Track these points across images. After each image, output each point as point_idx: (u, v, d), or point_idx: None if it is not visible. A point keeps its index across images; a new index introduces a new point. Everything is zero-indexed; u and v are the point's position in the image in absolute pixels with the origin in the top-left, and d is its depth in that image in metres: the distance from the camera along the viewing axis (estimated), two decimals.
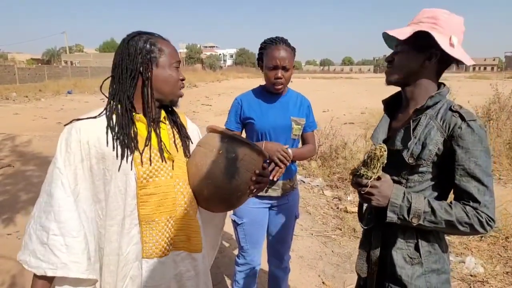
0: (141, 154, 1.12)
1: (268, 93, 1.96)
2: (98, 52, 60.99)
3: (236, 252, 2.26)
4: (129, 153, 1.10)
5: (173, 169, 1.19)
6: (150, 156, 1.14)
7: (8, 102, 14.87)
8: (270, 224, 2.11)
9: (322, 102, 14.80)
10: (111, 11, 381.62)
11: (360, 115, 11.88)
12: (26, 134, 8.12)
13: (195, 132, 1.40)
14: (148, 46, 1.14)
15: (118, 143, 1.09)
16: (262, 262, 2.21)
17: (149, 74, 1.14)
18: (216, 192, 1.18)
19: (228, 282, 2.82)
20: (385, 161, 1.12)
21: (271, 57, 1.83)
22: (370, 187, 1.12)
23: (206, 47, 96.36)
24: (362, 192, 1.14)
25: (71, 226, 1.05)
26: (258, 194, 1.92)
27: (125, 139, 1.10)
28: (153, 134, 1.17)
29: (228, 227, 2.18)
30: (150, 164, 1.13)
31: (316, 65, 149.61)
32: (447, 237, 3.33)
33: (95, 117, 1.13)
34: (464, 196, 1.11)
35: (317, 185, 5.04)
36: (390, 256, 1.23)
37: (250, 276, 2.15)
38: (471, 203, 1.08)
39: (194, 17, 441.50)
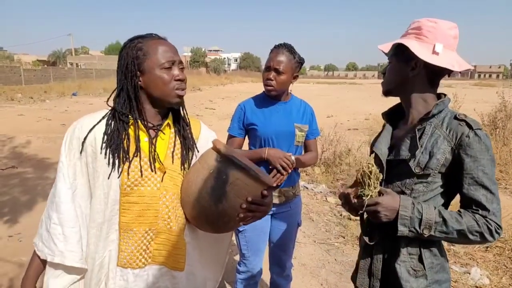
0: (129, 162, 1.11)
1: (271, 99, 1.95)
2: (103, 55, 61.42)
3: (237, 258, 2.23)
4: (118, 162, 1.10)
5: (162, 180, 1.14)
6: (140, 165, 1.12)
7: (13, 103, 14.96)
8: (272, 232, 2.08)
9: (326, 108, 14.79)
10: (117, 14, 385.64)
11: (364, 121, 11.84)
12: (29, 135, 8.15)
13: (209, 141, 1.30)
14: (134, 52, 1.12)
15: (109, 151, 1.11)
16: (264, 270, 2.18)
17: (136, 82, 1.13)
18: (203, 213, 1.11)
19: None
20: (381, 176, 1.12)
21: (268, 58, 1.89)
22: (373, 205, 1.11)
23: (210, 50, 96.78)
24: (368, 211, 1.14)
25: (69, 217, 1.10)
26: None
27: (117, 148, 1.11)
28: (147, 142, 1.14)
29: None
30: (141, 176, 1.11)
31: (320, 70, 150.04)
32: (452, 247, 3.29)
33: (98, 121, 1.15)
34: (472, 205, 1.10)
35: (321, 192, 5.00)
36: (393, 269, 1.20)
37: (251, 284, 2.12)
38: (480, 211, 1.08)
39: (199, 20, 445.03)
